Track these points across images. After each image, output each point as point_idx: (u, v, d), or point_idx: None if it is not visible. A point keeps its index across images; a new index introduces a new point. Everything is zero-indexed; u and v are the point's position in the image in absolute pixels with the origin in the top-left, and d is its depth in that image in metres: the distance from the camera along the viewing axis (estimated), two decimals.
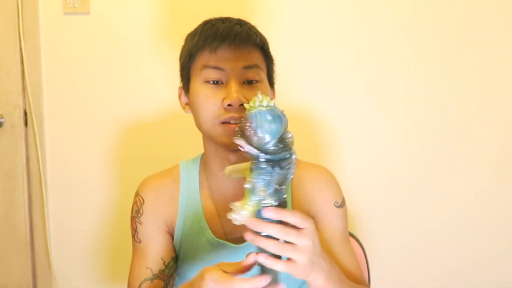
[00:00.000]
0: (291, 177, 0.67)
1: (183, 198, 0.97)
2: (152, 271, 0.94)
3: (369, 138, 1.54)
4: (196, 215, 0.95)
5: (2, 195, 1.65)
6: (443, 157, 1.53)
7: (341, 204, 0.97)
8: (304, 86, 1.52)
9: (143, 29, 1.54)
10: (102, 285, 1.67)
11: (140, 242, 0.97)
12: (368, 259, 1.20)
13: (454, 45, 1.49)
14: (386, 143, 1.54)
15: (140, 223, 0.97)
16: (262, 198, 0.65)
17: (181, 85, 0.97)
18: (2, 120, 1.60)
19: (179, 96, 0.98)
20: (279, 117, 0.64)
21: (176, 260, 0.98)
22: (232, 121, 0.86)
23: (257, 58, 0.90)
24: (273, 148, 0.65)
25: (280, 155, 0.65)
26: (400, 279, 1.59)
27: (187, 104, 0.95)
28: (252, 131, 0.64)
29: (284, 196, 0.67)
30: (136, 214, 0.98)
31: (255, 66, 0.89)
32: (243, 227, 0.91)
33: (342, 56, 1.52)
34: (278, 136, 0.64)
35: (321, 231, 0.93)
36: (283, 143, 0.65)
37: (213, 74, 0.87)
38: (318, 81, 1.53)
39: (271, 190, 0.65)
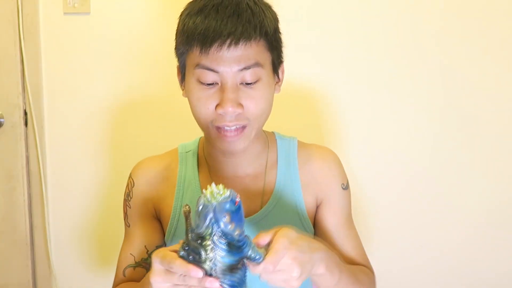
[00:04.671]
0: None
1: (181, 179, 0.96)
2: (135, 259, 0.94)
3: (374, 135, 1.54)
4: (195, 195, 0.94)
5: (2, 195, 1.65)
6: (450, 154, 1.53)
7: (347, 186, 0.97)
8: (313, 72, 1.53)
9: (143, 29, 1.55)
10: (102, 285, 1.67)
11: (129, 226, 0.97)
12: (370, 256, 1.19)
13: (467, 43, 1.48)
14: (393, 139, 1.54)
15: (130, 207, 0.96)
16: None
17: (178, 64, 0.90)
18: (2, 120, 1.60)
19: (178, 75, 0.92)
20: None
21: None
22: (226, 128, 0.82)
23: (256, 53, 0.81)
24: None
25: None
26: (403, 275, 1.59)
27: (183, 86, 0.90)
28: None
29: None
30: (127, 197, 0.98)
31: (254, 65, 0.80)
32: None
33: (354, 43, 1.52)
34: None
35: (330, 215, 0.93)
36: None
37: (205, 76, 0.81)
38: (325, 68, 1.53)
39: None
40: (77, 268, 1.68)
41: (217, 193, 0.63)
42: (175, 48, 0.88)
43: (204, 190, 0.63)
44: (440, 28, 1.48)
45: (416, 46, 1.49)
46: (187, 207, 0.65)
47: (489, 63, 1.49)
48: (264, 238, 0.67)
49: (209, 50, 0.78)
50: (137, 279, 0.94)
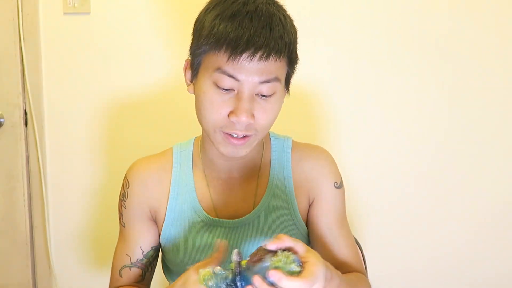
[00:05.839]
0: None
1: (176, 180, 0.95)
2: (130, 259, 0.95)
3: (371, 136, 1.54)
4: (189, 196, 0.94)
5: (2, 195, 1.65)
6: (451, 155, 1.53)
7: (340, 185, 0.97)
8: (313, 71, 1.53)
9: (143, 29, 1.55)
10: (101, 285, 1.67)
11: (124, 227, 0.98)
12: (370, 256, 1.19)
13: (472, 46, 1.48)
14: (394, 139, 1.54)
15: (125, 207, 0.97)
16: None
17: (189, 58, 0.88)
18: (2, 120, 1.60)
19: (185, 69, 0.89)
20: None
21: (158, 250, 0.98)
22: (234, 135, 0.83)
23: (278, 68, 0.81)
24: None
25: None
26: (403, 275, 1.59)
27: (191, 83, 0.88)
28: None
29: None
30: (122, 198, 0.98)
31: (274, 79, 0.81)
32: (235, 207, 0.92)
33: (353, 42, 1.52)
34: None
35: (322, 213, 0.93)
36: None
37: (224, 81, 0.80)
38: (327, 69, 1.53)
39: None
40: (77, 268, 1.69)
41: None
42: (193, 45, 0.86)
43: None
44: (444, 30, 1.48)
45: (419, 48, 1.49)
46: (239, 255, 0.68)
47: (493, 65, 1.49)
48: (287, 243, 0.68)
49: (239, 58, 0.78)
50: (133, 279, 0.95)
